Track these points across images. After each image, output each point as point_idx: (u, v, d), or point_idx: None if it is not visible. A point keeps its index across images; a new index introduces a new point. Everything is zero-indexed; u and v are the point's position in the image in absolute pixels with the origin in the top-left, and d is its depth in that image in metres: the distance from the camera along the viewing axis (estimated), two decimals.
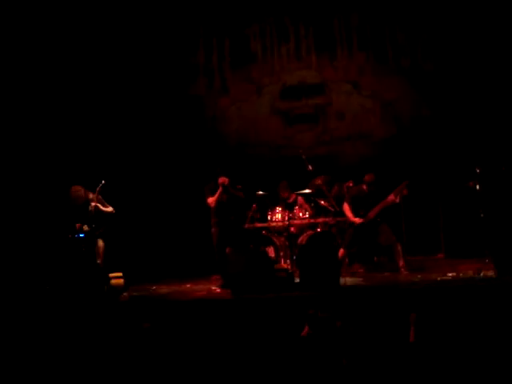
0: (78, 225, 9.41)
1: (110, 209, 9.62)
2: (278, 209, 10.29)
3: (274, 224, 10.25)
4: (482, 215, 9.27)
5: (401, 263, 9.65)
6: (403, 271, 9.58)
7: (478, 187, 9.74)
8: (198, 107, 12.60)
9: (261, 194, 10.23)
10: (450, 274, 9.05)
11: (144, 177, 11.89)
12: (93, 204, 9.42)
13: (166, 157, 12.17)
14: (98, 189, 9.49)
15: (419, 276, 9.17)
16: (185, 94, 12.60)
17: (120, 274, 8.99)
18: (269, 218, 10.30)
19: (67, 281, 8.71)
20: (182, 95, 12.56)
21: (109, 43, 12.13)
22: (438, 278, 8.81)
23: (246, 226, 10.11)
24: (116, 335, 6.91)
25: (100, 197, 9.55)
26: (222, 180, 9.69)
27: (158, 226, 11.61)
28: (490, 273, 8.53)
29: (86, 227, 9.43)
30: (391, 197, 9.63)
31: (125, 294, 8.89)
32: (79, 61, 11.91)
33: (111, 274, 8.98)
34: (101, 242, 9.46)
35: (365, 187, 9.90)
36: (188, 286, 9.92)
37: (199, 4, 12.43)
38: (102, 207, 9.51)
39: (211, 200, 9.74)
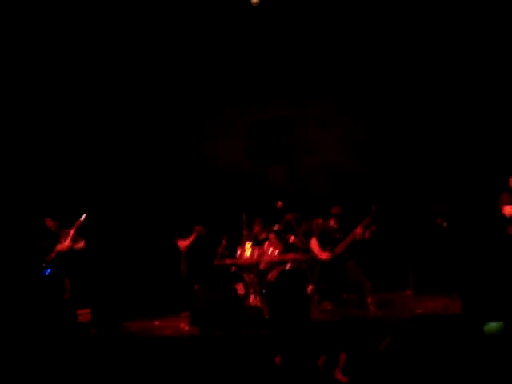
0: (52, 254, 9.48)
1: (81, 243, 9.70)
2: (248, 245, 10.30)
3: (243, 260, 10.25)
4: (449, 252, 9.36)
5: (369, 300, 9.68)
6: (372, 308, 9.61)
7: (445, 224, 9.85)
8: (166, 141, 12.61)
9: (231, 231, 10.26)
10: (418, 311, 9.09)
11: (113, 214, 11.83)
12: (66, 244, 9.50)
13: (135, 193, 12.14)
14: (77, 223, 9.58)
15: (387, 312, 9.20)
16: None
17: (88, 311, 8.95)
18: (238, 254, 10.29)
19: (35, 317, 8.62)
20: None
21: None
22: (407, 315, 8.84)
23: (216, 262, 10.09)
24: (83, 370, 6.86)
25: (75, 232, 9.62)
26: (199, 229, 9.84)
27: (126, 262, 11.52)
28: (457, 309, 8.59)
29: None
30: (358, 230, 9.69)
31: (93, 330, 8.83)
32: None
33: (79, 311, 8.93)
34: (67, 280, 9.47)
35: (333, 223, 9.97)
36: (156, 322, 9.85)
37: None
38: (75, 245, 9.58)
39: (183, 245, 9.89)
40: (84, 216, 9.68)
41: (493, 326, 6.95)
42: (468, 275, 8.85)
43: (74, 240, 9.70)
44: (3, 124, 11.38)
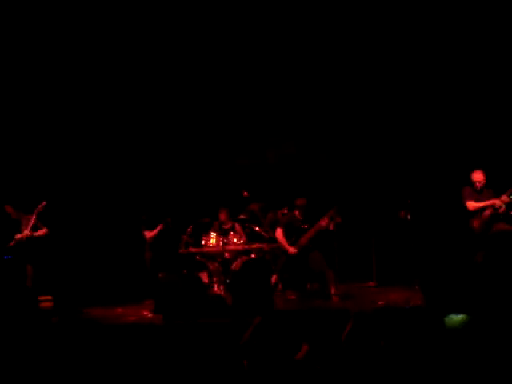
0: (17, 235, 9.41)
1: (43, 231, 9.61)
2: (213, 234, 10.29)
3: (208, 249, 10.24)
4: (412, 245, 9.45)
5: (332, 290, 9.75)
6: (334, 298, 9.68)
7: (408, 217, 9.94)
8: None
9: (196, 219, 10.26)
10: (380, 302, 9.17)
11: (77, 200, 11.73)
12: (25, 233, 9.41)
13: (100, 180, 12.04)
14: (37, 210, 9.48)
15: (350, 303, 9.27)
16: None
17: (49, 298, 8.88)
18: (203, 243, 10.28)
19: None
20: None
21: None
22: (369, 306, 8.91)
23: (180, 250, 10.08)
24: (45, 358, 6.79)
25: (36, 218, 9.51)
26: (167, 220, 9.84)
27: (90, 249, 11.45)
28: (419, 301, 8.68)
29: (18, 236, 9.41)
30: (323, 221, 9.75)
31: (55, 317, 8.76)
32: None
33: (41, 297, 8.86)
34: (29, 266, 9.40)
35: (297, 213, 10.03)
36: (120, 310, 9.81)
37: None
38: (34, 234, 9.50)
39: (149, 235, 9.88)
40: (43, 203, 9.58)
41: (456, 319, 6.97)
42: (430, 268, 8.93)
43: (35, 227, 9.61)
44: None
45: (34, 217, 9.58)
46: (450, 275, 8.21)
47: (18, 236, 9.50)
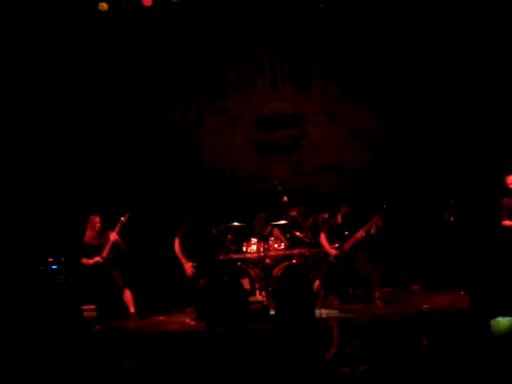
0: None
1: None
2: (254, 240, 10.22)
3: (249, 255, 10.18)
4: (456, 247, 9.29)
5: (376, 294, 9.66)
6: (378, 303, 9.58)
7: (452, 219, 9.78)
8: (173, 139, 12.56)
9: (236, 225, 10.19)
10: (425, 306, 9.04)
11: (118, 207, 11.79)
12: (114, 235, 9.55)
13: (140, 188, 12.11)
14: (121, 221, 9.61)
15: (394, 308, 9.15)
16: (161, 125, 12.56)
17: (93, 307, 8.91)
18: (244, 249, 10.22)
19: (38, 313, 8.59)
20: (159, 126, 12.52)
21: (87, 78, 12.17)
22: (413, 310, 8.78)
23: (221, 257, 10.04)
24: (88, 368, 6.82)
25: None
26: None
27: (131, 257, 11.47)
28: (465, 305, 8.54)
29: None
30: (361, 233, 9.70)
31: (98, 326, 8.80)
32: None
33: (84, 306, 8.91)
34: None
35: (340, 219, 9.95)
36: (162, 318, 9.82)
37: (176, 35, 12.44)
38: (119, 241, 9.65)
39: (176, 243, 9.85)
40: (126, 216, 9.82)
41: (504, 322, 6.80)
42: (475, 270, 8.78)
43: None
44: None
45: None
46: (496, 277, 8.05)
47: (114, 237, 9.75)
